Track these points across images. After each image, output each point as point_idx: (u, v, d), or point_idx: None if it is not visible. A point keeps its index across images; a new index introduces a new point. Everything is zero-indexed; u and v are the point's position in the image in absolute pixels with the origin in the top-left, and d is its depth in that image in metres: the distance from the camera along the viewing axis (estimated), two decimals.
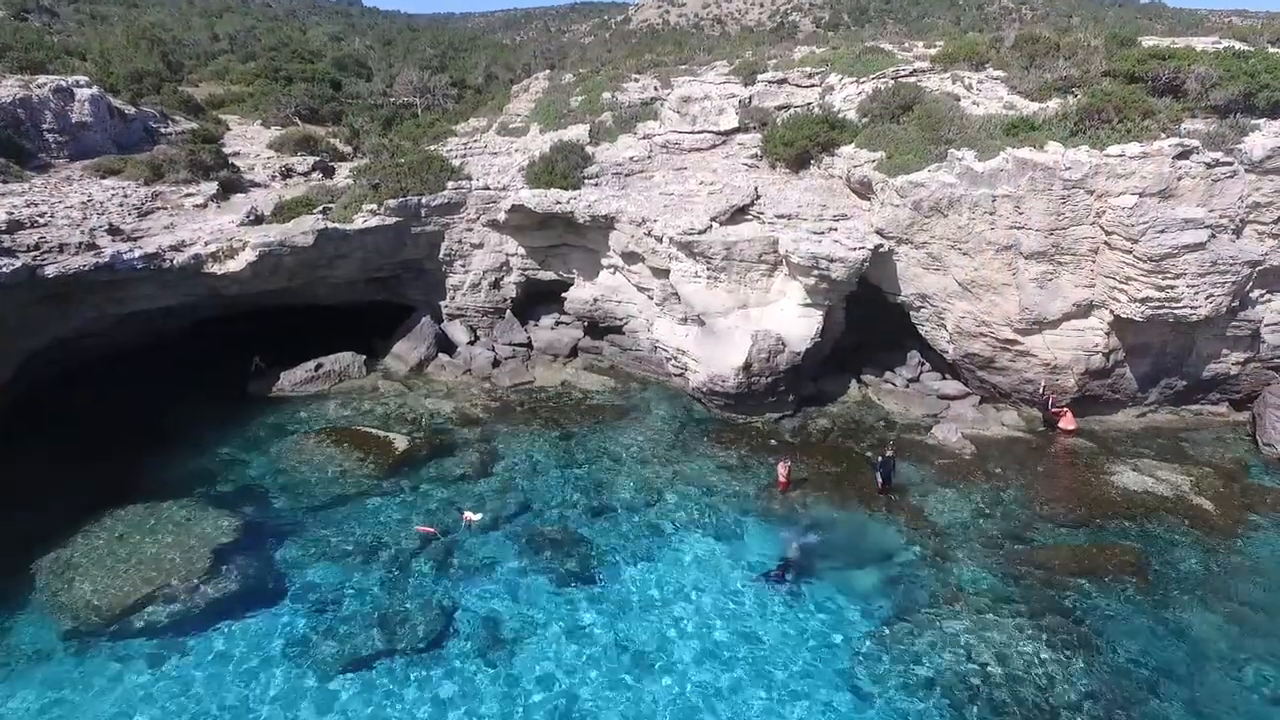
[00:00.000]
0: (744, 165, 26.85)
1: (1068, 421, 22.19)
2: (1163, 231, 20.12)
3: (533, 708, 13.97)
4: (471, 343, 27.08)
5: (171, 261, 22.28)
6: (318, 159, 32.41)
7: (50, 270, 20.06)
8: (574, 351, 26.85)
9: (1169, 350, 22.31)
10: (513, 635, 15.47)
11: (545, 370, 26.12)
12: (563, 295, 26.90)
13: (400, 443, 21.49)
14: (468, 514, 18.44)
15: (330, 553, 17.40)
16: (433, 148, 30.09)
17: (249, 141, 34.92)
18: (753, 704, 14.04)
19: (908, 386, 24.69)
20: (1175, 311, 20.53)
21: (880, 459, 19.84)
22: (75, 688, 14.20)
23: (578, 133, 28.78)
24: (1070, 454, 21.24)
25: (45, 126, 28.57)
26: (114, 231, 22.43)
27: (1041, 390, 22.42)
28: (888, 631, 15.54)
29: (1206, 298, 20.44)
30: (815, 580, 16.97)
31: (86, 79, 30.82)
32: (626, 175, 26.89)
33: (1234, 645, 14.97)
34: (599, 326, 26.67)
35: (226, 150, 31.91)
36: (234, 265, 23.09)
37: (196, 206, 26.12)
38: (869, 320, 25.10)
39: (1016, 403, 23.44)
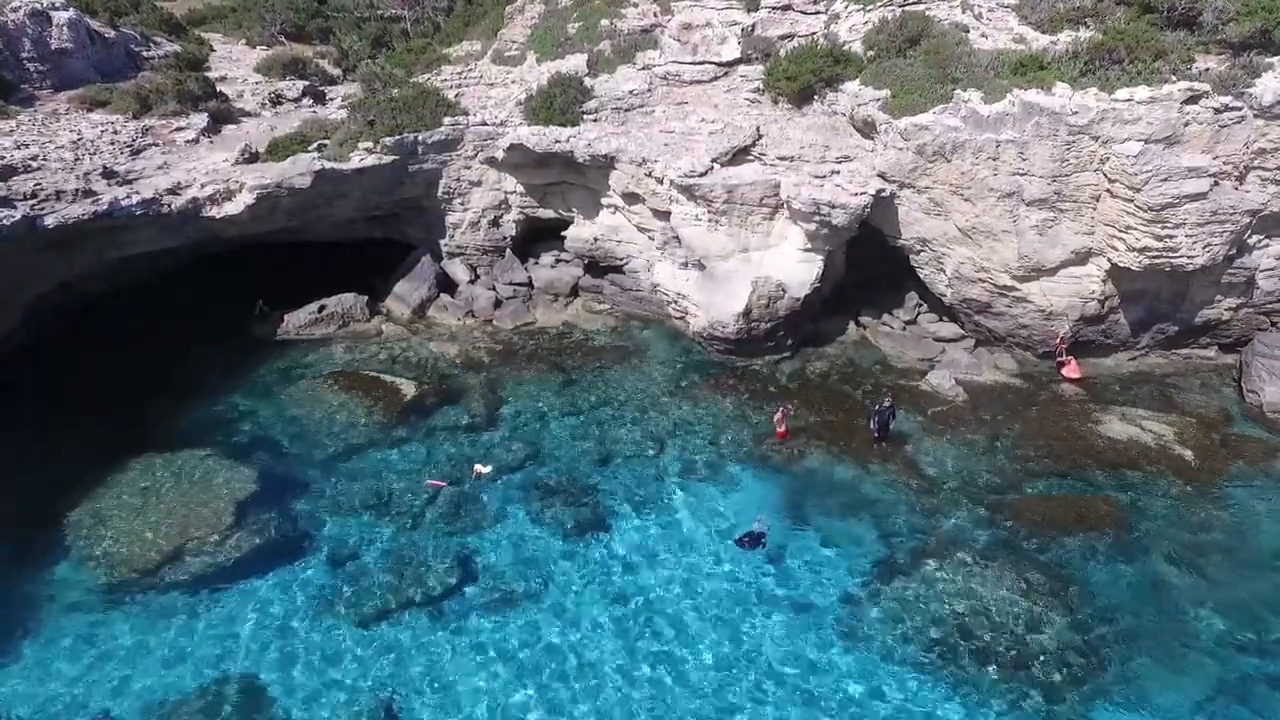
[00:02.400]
0: (745, 100, 26.27)
1: (1072, 370, 22.67)
2: (1165, 180, 20.09)
3: (545, 655, 14.94)
4: (472, 281, 27.11)
5: (169, 206, 22.13)
6: (308, 84, 31.52)
7: (50, 220, 19.98)
8: (574, 291, 26.91)
9: (1163, 297, 22.55)
10: (524, 585, 16.36)
11: (546, 311, 26.29)
12: (563, 234, 26.77)
13: (407, 389, 21.92)
14: (477, 467, 19.04)
15: (345, 505, 18.12)
16: (426, 77, 29.23)
17: (235, 64, 33.80)
18: (746, 655, 15.03)
19: (905, 329, 24.97)
20: (1172, 261, 20.71)
21: (877, 407, 20.36)
22: (112, 639, 15.06)
23: (576, 63, 27.96)
24: (1061, 402, 21.82)
25: (25, 55, 27.51)
26: (109, 174, 22.15)
27: (1057, 340, 22.70)
28: (875, 581, 16.46)
29: (1204, 247, 20.59)
30: (807, 531, 17.81)
31: (62, 0, 29.51)
32: (626, 110, 26.30)
33: (1204, 596, 15.94)
34: (599, 265, 26.69)
35: (213, 75, 30.98)
36: (232, 208, 22.93)
37: (188, 142, 25.66)
38: (868, 261, 25.17)
39: (1010, 347, 23.86)
